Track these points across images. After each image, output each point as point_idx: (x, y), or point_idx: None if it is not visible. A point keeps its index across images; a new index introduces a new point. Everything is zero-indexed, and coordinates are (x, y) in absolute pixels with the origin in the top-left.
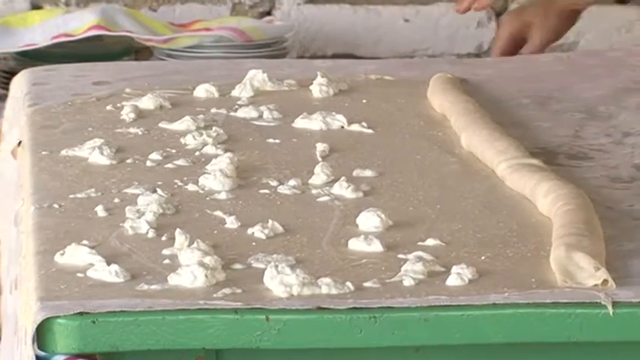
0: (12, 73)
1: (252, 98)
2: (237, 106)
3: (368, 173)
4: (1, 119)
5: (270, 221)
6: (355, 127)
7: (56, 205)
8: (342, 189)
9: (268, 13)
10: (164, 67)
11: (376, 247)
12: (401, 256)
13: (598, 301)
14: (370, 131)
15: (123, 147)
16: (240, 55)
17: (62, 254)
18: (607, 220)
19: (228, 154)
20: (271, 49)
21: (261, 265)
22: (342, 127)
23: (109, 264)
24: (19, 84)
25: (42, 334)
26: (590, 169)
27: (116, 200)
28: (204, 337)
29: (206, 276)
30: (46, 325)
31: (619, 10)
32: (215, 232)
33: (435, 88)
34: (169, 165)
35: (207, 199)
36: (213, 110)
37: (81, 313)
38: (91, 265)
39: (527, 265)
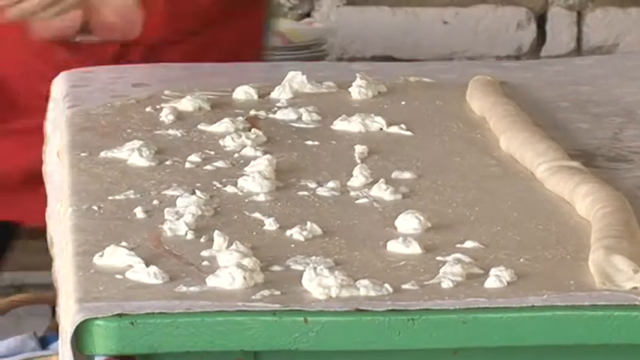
0: None
1: (291, 100)
2: (276, 108)
3: (407, 175)
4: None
5: (308, 223)
6: (394, 129)
7: (95, 207)
8: (381, 191)
9: (308, 15)
10: (203, 68)
11: (415, 249)
12: (439, 258)
13: (636, 303)
14: (409, 133)
15: (162, 149)
16: (280, 56)
17: (101, 256)
18: None
19: (267, 156)
20: (310, 51)
21: (300, 267)
22: (381, 129)
23: (147, 265)
24: (59, 86)
25: (81, 336)
26: (629, 171)
27: (155, 202)
28: (243, 338)
29: (244, 278)
30: (85, 326)
31: None
32: (254, 233)
33: (474, 90)
34: (208, 167)
35: (246, 200)
36: (252, 112)
37: (119, 315)
38: (130, 266)
39: (566, 267)
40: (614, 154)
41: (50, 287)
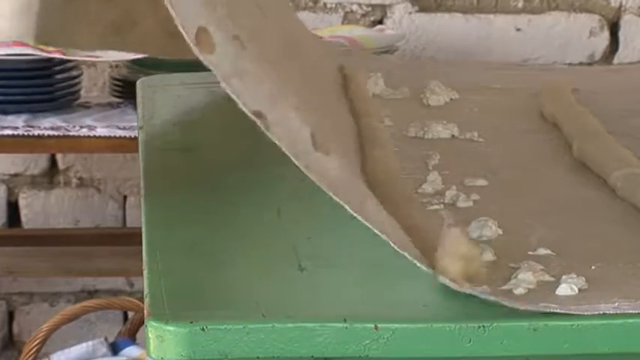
0: (125, 81)
1: None
2: None
3: (479, 182)
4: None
5: None
6: (466, 136)
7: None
8: (453, 198)
9: (380, 22)
10: None
11: (486, 256)
12: (511, 265)
13: None
14: (481, 140)
15: None
16: None
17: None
18: None
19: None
20: None
21: None
22: (453, 135)
23: None
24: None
25: (152, 340)
26: None
27: None
28: (313, 345)
29: None
30: (156, 331)
31: None
32: None
33: (547, 97)
34: None
35: None
36: None
37: (190, 321)
38: None
39: (638, 275)
40: None
41: (121, 293)
